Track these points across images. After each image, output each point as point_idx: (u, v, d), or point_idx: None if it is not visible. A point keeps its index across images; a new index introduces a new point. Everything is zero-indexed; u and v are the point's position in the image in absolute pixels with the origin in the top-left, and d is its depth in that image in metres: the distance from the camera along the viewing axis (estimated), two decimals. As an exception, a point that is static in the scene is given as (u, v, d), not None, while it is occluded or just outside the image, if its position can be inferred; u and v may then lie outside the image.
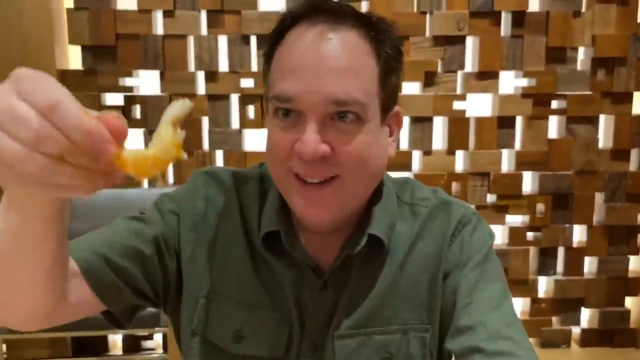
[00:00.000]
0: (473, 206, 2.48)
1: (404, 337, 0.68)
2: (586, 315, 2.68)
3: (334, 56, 0.58)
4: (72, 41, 2.41)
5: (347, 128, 0.60)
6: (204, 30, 2.41)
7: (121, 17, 2.38)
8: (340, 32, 0.60)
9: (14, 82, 0.40)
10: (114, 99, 2.47)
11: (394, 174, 0.77)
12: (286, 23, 0.62)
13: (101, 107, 2.44)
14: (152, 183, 2.34)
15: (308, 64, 0.58)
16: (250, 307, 0.69)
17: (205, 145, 2.48)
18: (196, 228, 0.71)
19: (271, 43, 0.63)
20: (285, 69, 0.60)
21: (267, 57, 0.64)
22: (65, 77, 2.43)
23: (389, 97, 0.64)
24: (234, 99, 2.45)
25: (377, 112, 0.62)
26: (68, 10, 2.38)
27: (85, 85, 2.42)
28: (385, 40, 0.62)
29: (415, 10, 2.41)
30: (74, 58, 2.48)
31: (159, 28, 2.42)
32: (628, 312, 2.62)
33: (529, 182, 2.57)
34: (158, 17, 2.41)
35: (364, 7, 2.40)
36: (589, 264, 2.63)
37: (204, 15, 2.40)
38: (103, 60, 2.42)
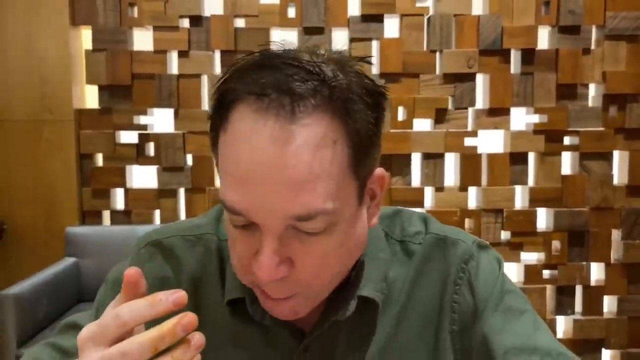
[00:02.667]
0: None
1: None
2: (607, 357, 2.59)
3: (290, 164, 0.46)
4: (90, 81, 2.47)
5: (313, 240, 0.50)
6: (217, 70, 2.46)
7: (137, 58, 2.44)
8: (299, 123, 0.46)
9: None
10: (129, 136, 2.51)
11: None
12: (230, 97, 0.49)
13: (116, 144, 2.48)
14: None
15: (257, 176, 0.47)
16: None
17: (218, 183, 2.50)
18: None
19: (214, 119, 0.51)
20: (231, 176, 0.49)
21: (212, 134, 0.52)
22: (82, 116, 2.48)
23: (367, 175, 0.53)
24: (246, 136, 2.47)
25: (351, 202, 0.51)
26: (87, 51, 2.46)
27: (100, 123, 2.47)
28: (357, 115, 0.48)
29: (425, 48, 2.44)
30: (90, 97, 2.55)
31: (173, 68, 2.48)
32: (651, 354, 2.53)
33: (543, 219, 2.54)
34: (173, 57, 2.48)
35: (374, 48, 2.45)
36: (609, 304, 2.56)
37: (217, 56, 2.46)
38: (119, 99, 2.47)
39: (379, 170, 0.55)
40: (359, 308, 0.58)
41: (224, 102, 0.49)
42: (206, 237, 0.64)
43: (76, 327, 0.63)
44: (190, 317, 0.41)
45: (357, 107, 0.49)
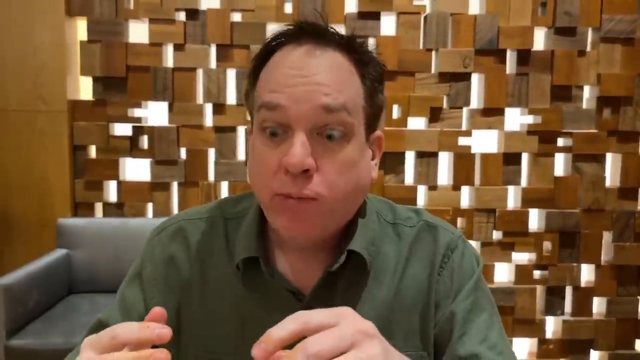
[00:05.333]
0: (478, 242, 2.48)
1: None
2: (595, 358, 2.60)
3: (321, 72, 0.60)
4: (84, 72, 2.46)
5: (334, 147, 0.60)
6: (213, 64, 2.46)
7: (132, 50, 2.43)
8: (326, 51, 0.61)
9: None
10: (123, 129, 2.50)
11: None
12: (273, 44, 0.63)
13: (109, 136, 2.47)
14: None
15: (296, 79, 0.59)
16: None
17: (211, 176, 2.50)
18: (155, 294, 0.71)
19: (256, 64, 0.64)
20: (272, 84, 0.60)
21: (253, 77, 0.65)
22: (76, 107, 2.47)
23: (374, 116, 0.65)
24: (241, 131, 2.48)
25: (362, 129, 0.63)
26: (81, 42, 2.45)
27: (94, 115, 2.47)
28: (369, 63, 0.64)
29: (421, 47, 2.44)
30: (85, 89, 2.54)
31: (169, 61, 2.47)
32: (638, 355, 2.54)
33: (535, 220, 2.55)
34: (168, 50, 2.47)
35: (371, 44, 2.44)
36: (598, 305, 2.58)
37: (213, 49, 2.45)
38: (113, 91, 2.46)
39: (378, 132, 0.68)
40: (351, 266, 0.67)
41: (269, 46, 0.63)
42: (212, 218, 0.73)
43: (103, 327, 0.69)
44: (164, 356, 0.46)
45: (369, 60, 0.64)
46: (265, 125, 0.60)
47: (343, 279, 0.67)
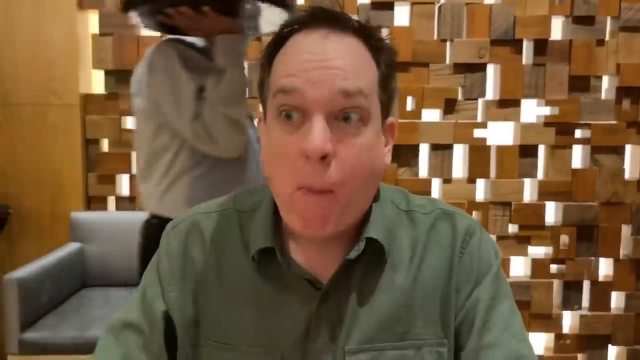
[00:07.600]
0: (494, 236, 2.44)
1: (417, 353, 0.66)
2: (614, 353, 2.56)
3: (338, 56, 0.59)
4: (96, 66, 2.45)
5: (351, 130, 0.60)
6: (224, 56, 2.43)
7: (144, 42, 2.42)
8: (341, 36, 0.61)
9: None
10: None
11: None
12: (287, 30, 0.63)
13: (121, 130, 2.46)
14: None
15: (312, 63, 0.59)
16: (231, 347, 0.69)
17: (223, 170, 2.48)
18: (173, 287, 0.71)
19: (270, 50, 0.64)
20: (289, 69, 0.60)
21: (267, 62, 0.64)
22: (88, 101, 2.47)
23: (388, 102, 0.65)
24: (253, 123, 2.46)
25: (378, 114, 0.63)
26: (93, 35, 2.44)
27: (106, 109, 2.46)
28: (382, 49, 0.64)
29: (435, 37, 2.41)
30: (97, 82, 2.53)
31: (180, 53, 2.45)
32: (658, 351, 2.50)
33: (552, 213, 2.50)
34: (180, 42, 2.45)
35: (384, 35, 2.41)
36: (616, 299, 2.53)
37: (225, 41, 2.43)
38: (125, 84, 2.44)
39: (392, 119, 0.68)
40: (369, 254, 0.66)
41: (283, 32, 0.63)
42: (225, 211, 0.73)
43: (128, 327, 0.71)
44: None
45: (383, 46, 0.64)
46: (282, 109, 0.60)
47: (360, 267, 0.67)
